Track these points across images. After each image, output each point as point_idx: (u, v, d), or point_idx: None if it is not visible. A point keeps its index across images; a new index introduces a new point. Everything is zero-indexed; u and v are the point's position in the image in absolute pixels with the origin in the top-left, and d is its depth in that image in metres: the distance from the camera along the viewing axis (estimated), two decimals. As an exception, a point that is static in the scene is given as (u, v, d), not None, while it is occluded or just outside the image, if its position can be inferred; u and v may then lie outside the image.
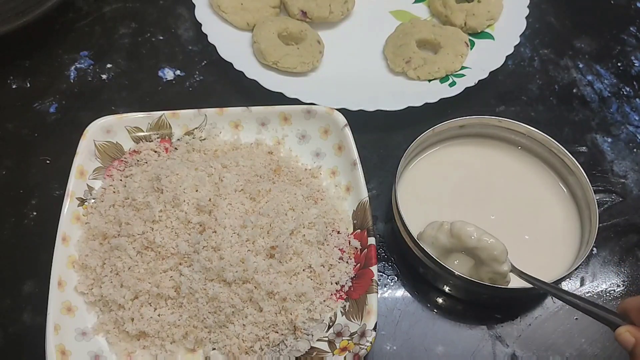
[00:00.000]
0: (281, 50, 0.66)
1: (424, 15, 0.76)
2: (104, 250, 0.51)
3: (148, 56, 0.72)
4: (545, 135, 0.56)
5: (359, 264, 0.51)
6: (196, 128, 0.59)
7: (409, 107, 0.63)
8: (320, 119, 0.58)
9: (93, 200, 0.55)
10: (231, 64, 0.66)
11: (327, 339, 0.48)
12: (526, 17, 0.73)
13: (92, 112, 0.60)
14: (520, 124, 0.56)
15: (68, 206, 0.52)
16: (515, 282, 0.51)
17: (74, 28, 0.74)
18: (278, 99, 0.63)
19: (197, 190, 0.51)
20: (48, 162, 0.62)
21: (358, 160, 0.55)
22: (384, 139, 0.64)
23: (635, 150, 0.66)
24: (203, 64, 0.71)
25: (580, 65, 0.73)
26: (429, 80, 0.67)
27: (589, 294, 0.55)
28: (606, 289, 0.55)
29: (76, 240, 0.52)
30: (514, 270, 0.48)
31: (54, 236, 0.50)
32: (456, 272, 0.48)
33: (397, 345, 0.52)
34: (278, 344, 0.48)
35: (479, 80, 0.65)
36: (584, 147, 0.65)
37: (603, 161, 0.64)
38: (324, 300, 0.50)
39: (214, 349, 0.48)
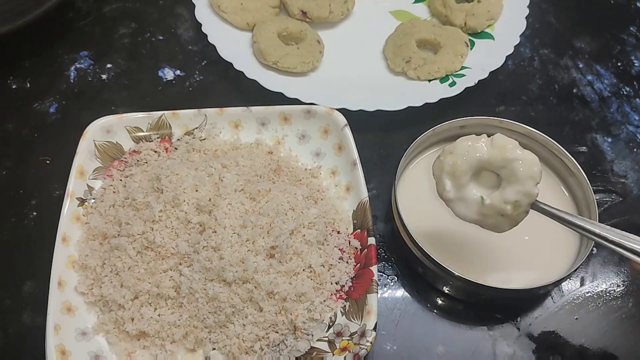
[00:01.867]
0: (281, 50, 0.66)
1: (424, 15, 0.76)
2: (104, 250, 0.51)
3: (148, 56, 0.72)
4: (546, 136, 0.56)
5: (359, 264, 0.51)
6: (196, 128, 0.59)
7: (409, 107, 0.63)
8: (320, 119, 0.58)
9: (93, 200, 0.55)
10: (231, 64, 0.66)
11: (327, 339, 0.48)
12: (526, 17, 0.73)
13: (92, 112, 0.60)
14: (520, 125, 0.56)
15: (68, 206, 0.52)
16: (516, 282, 0.51)
17: (74, 28, 0.74)
18: (278, 99, 0.63)
19: (197, 190, 0.51)
20: (48, 162, 0.62)
21: (358, 160, 0.55)
22: (384, 139, 0.64)
23: (635, 150, 0.66)
24: (203, 64, 0.71)
25: (580, 65, 0.73)
26: (429, 80, 0.67)
27: (589, 294, 0.55)
28: (606, 289, 0.55)
29: (76, 240, 0.52)
30: (537, 204, 0.45)
31: (54, 236, 0.50)
32: (456, 273, 0.48)
33: (397, 345, 0.52)
34: (278, 344, 0.48)
35: (479, 80, 0.65)
36: (584, 147, 0.65)
37: (603, 161, 0.64)
38: (324, 300, 0.50)
39: (214, 349, 0.48)
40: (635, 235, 0.40)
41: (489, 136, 0.46)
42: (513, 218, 0.45)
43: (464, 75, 0.67)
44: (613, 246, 0.41)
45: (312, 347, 0.48)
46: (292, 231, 0.50)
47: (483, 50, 0.70)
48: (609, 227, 0.42)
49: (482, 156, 0.45)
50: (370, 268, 0.49)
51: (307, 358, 0.47)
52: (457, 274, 0.48)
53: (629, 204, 0.61)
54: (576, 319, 0.53)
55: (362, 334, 0.46)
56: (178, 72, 0.70)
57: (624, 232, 0.41)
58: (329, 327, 0.49)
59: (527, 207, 0.44)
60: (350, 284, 0.51)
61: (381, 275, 0.55)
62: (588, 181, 0.53)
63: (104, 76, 0.70)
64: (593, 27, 0.78)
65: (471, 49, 0.70)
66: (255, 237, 0.49)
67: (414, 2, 0.78)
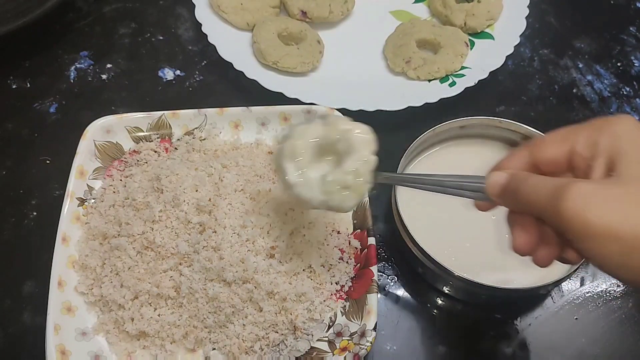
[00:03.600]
0: (281, 50, 0.66)
1: (424, 15, 0.76)
2: (104, 250, 0.51)
3: (148, 56, 0.72)
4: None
5: (359, 264, 0.51)
6: (196, 128, 0.59)
7: (409, 107, 0.63)
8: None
9: (93, 200, 0.55)
10: (231, 64, 0.66)
11: (327, 339, 0.48)
12: (526, 17, 0.73)
13: (92, 112, 0.60)
14: (521, 125, 0.56)
15: (68, 206, 0.52)
16: (516, 282, 0.51)
17: (74, 28, 0.74)
18: (278, 99, 0.63)
19: (197, 190, 0.51)
20: (48, 162, 0.62)
21: (358, 160, 0.55)
22: (384, 139, 0.64)
23: (635, 150, 0.66)
24: (203, 64, 0.71)
25: (580, 65, 0.73)
26: (429, 80, 0.67)
27: (589, 294, 0.55)
28: (606, 289, 0.55)
29: (76, 240, 0.52)
30: (378, 175, 0.44)
31: (54, 236, 0.50)
32: (456, 273, 0.48)
33: (397, 345, 0.52)
34: (278, 344, 0.48)
35: (479, 80, 0.65)
36: (584, 147, 0.65)
37: (603, 161, 0.64)
38: (324, 300, 0.50)
39: (214, 349, 0.48)
40: (471, 175, 0.39)
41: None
42: (356, 190, 0.44)
43: (464, 75, 0.67)
44: (453, 189, 0.41)
45: (312, 347, 0.48)
46: (292, 231, 0.50)
47: (483, 50, 0.70)
48: (448, 174, 0.42)
49: (318, 134, 0.44)
50: (370, 268, 0.49)
51: (307, 358, 0.47)
52: (457, 274, 0.48)
53: (629, 204, 0.61)
54: (576, 319, 0.53)
55: (362, 334, 0.46)
56: (178, 72, 0.70)
57: (461, 174, 0.41)
58: (329, 327, 0.49)
59: (367, 175, 0.44)
60: (350, 284, 0.51)
61: (381, 275, 0.55)
62: (588, 181, 0.53)
63: (104, 76, 0.70)
64: (593, 27, 0.78)
65: (471, 49, 0.70)
66: (255, 237, 0.49)
67: (414, 2, 0.78)
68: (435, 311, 0.54)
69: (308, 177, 0.45)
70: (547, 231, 0.35)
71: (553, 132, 0.36)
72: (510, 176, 0.36)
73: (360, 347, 0.45)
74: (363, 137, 0.44)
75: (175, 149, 0.58)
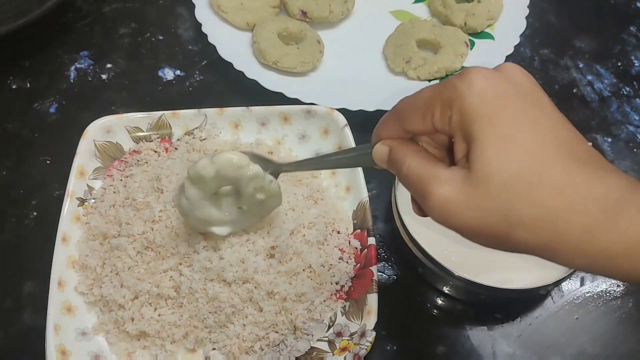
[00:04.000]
0: (281, 50, 0.66)
1: (424, 15, 0.76)
2: (104, 250, 0.51)
3: (148, 56, 0.72)
4: (545, 135, 0.56)
5: (359, 264, 0.51)
6: (196, 128, 0.59)
7: (409, 107, 0.63)
8: (320, 119, 0.58)
9: (93, 200, 0.55)
10: (231, 64, 0.66)
11: (327, 339, 0.48)
12: (526, 17, 0.73)
13: (92, 112, 0.60)
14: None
15: (68, 206, 0.52)
16: (516, 282, 0.51)
17: (74, 28, 0.74)
18: (278, 99, 0.63)
19: (197, 190, 0.51)
20: (48, 162, 0.62)
21: (358, 160, 0.55)
22: (384, 139, 0.64)
23: (635, 150, 0.66)
24: (203, 64, 0.71)
25: (580, 65, 0.73)
26: (429, 80, 0.67)
27: (589, 294, 0.55)
28: (606, 289, 0.55)
29: (76, 240, 0.52)
30: (284, 169, 0.44)
31: (54, 236, 0.50)
32: (456, 273, 0.48)
33: (397, 345, 0.52)
34: (278, 344, 0.48)
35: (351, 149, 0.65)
36: (584, 147, 0.65)
37: (603, 161, 0.64)
38: (324, 300, 0.50)
39: (214, 349, 0.48)
40: (358, 147, 0.41)
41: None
42: (272, 196, 0.45)
43: (464, 75, 0.67)
44: (345, 164, 0.42)
45: (312, 347, 0.48)
46: (292, 231, 0.50)
47: (483, 50, 0.70)
48: (337, 151, 0.43)
49: (212, 181, 0.43)
50: (370, 268, 0.49)
51: (307, 358, 0.47)
52: (457, 274, 0.48)
53: (629, 204, 0.61)
54: (576, 319, 0.53)
55: (362, 334, 0.46)
56: (178, 72, 0.70)
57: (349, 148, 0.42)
58: (329, 327, 0.49)
59: (270, 183, 0.44)
60: (350, 284, 0.51)
61: (381, 275, 0.55)
62: (588, 181, 0.53)
63: (104, 76, 0.70)
64: (593, 27, 0.78)
65: (471, 49, 0.70)
66: (255, 237, 0.49)
67: (414, 2, 0.78)
68: (435, 311, 0.54)
69: (227, 214, 0.46)
70: None
71: (414, 99, 0.33)
72: (390, 150, 0.36)
73: (360, 347, 0.45)
74: (234, 163, 0.42)
75: (175, 149, 0.58)
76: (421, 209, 0.35)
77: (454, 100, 0.31)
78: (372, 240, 0.51)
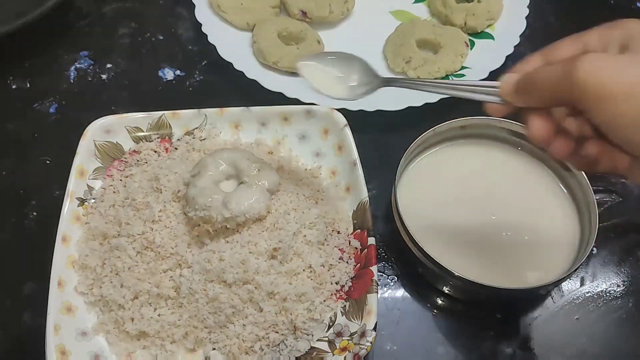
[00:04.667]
0: (281, 50, 0.66)
1: (424, 15, 0.76)
2: (104, 250, 0.51)
3: (148, 56, 0.72)
4: (546, 135, 0.56)
5: (359, 264, 0.51)
6: (196, 128, 0.59)
7: (409, 107, 0.63)
8: (320, 119, 0.58)
9: (93, 200, 0.55)
10: (231, 64, 0.66)
11: (327, 339, 0.48)
12: (526, 17, 0.73)
13: (92, 112, 0.60)
14: (521, 125, 0.56)
15: (68, 206, 0.52)
16: (516, 282, 0.51)
17: (74, 28, 0.74)
18: (278, 99, 0.63)
19: (197, 190, 0.51)
20: (48, 162, 0.62)
21: (358, 160, 0.55)
22: (384, 139, 0.64)
23: (635, 150, 0.66)
24: (203, 64, 0.71)
25: (580, 65, 0.73)
26: (429, 80, 0.67)
27: (589, 294, 0.55)
28: (606, 289, 0.55)
29: (76, 240, 0.52)
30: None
31: (54, 236, 0.50)
32: (456, 273, 0.48)
33: (397, 345, 0.52)
34: (278, 344, 0.48)
35: (479, 80, 0.65)
36: (584, 147, 0.65)
37: (603, 161, 0.64)
38: (324, 300, 0.50)
39: (214, 349, 0.48)
40: (484, 81, 0.40)
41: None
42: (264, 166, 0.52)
43: (464, 75, 0.67)
44: (465, 92, 0.41)
45: (312, 347, 0.48)
46: (294, 232, 0.50)
47: (483, 50, 0.70)
48: (460, 80, 0.43)
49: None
50: (370, 268, 0.49)
51: (307, 358, 0.47)
52: (457, 274, 0.48)
53: (629, 204, 0.61)
54: (576, 319, 0.53)
55: (362, 334, 0.46)
56: (178, 72, 0.70)
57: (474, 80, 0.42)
58: (329, 327, 0.49)
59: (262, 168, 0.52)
60: (350, 284, 0.51)
61: (381, 275, 0.55)
62: (588, 181, 0.53)
63: (104, 76, 0.70)
64: (593, 27, 0.77)
65: (471, 49, 0.70)
66: (256, 239, 0.49)
67: (414, 2, 0.78)
68: (435, 311, 0.54)
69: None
70: (563, 126, 0.36)
71: (565, 38, 0.37)
72: (522, 74, 0.36)
73: (360, 347, 0.45)
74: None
75: (175, 149, 0.58)
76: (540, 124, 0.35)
77: (618, 24, 0.36)
78: (372, 240, 0.51)
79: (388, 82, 0.46)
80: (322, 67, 0.48)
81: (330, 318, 0.49)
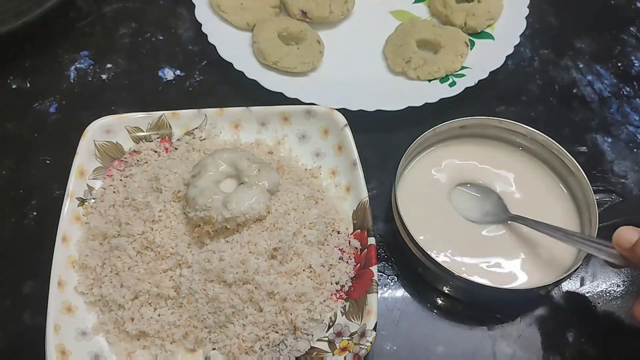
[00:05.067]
0: (281, 50, 0.66)
1: (424, 15, 0.76)
2: (104, 250, 0.51)
3: (148, 56, 0.72)
4: (546, 136, 0.56)
5: (359, 264, 0.51)
6: (196, 128, 0.59)
7: (409, 107, 0.63)
8: (320, 119, 0.58)
9: (93, 200, 0.55)
10: (231, 64, 0.66)
11: (327, 339, 0.48)
12: (526, 17, 0.73)
13: (92, 112, 0.60)
14: (521, 125, 0.56)
15: (68, 206, 0.52)
16: (516, 282, 0.51)
17: (74, 28, 0.74)
18: (278, 99, 0.63)
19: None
20: (48, 162, 0.62)
21: (358, 160, 0.55)
22: (384, 139, 0.64)
23: (635, 150, 0.66)
24: (203, 64, 0.71)
25: (580, 65, 0.73)
26: (429, 80, 0.67)
27: (589, 294, 0.55)
28: (606, 289, 0.55)
29: (76, 240, 0.52)
30: None
31: (54, 236, 0.50)
32: (456, 273, 0.48)
33: (397, 345, 0.52)
34: (278, 344, 0.48)
35: (479, 80, 0.65)
36: (584, 147, 0.65)
37: (603, 161, 0.64)
38: (324, 300, 0.50)
39: (214, 349, 0.48)
40: (598, 239, 0.46)
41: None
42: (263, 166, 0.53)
43: (464, 75, 0.67)
44: (581, 245, 0.48)
45: (312, 347, 0.48)
46: (294, 232, 0.50)
47: (483, 50, 0.70)
48: (577, 232, 0.49)
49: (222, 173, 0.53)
50: (370, 268, 0.49)
51: (307, 358, 0.47)
52: (457, 274, 0.48)
53: (629, 204, 0.61)
54: (576, 319, 0.53)
55: (362, 334, 0.46)
56: (178, 72, 0.70)
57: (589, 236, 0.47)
58: (329, 327, 0.49)
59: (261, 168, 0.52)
60: (350, 284, 0.51)
61: (381, 275, 0.55)
62: (588, 181, 0.53)
63: (104, 76, 0.70)
64: (593, 27, 0.78)
65: (471, 49, 0.70)
66: (256, 239, 0.49)
67: (414, 2, 0.78)
68: (435, 311, 0.54)
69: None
70: None
71: None
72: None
73: (360, 347, 0.45)
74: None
75: (175, 149, 0.58)
76: None
77: None
78: (372, 240, 0.51)
79: (515, 219, 0.53)
80: (472, 195, 0.56)
81: (330, 318, 0.49)
